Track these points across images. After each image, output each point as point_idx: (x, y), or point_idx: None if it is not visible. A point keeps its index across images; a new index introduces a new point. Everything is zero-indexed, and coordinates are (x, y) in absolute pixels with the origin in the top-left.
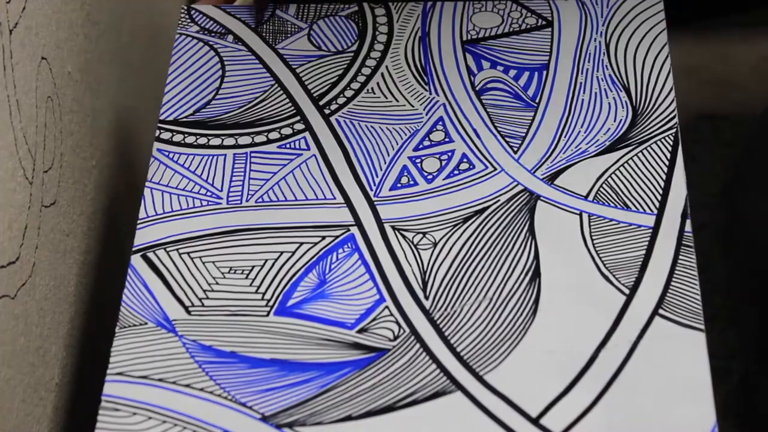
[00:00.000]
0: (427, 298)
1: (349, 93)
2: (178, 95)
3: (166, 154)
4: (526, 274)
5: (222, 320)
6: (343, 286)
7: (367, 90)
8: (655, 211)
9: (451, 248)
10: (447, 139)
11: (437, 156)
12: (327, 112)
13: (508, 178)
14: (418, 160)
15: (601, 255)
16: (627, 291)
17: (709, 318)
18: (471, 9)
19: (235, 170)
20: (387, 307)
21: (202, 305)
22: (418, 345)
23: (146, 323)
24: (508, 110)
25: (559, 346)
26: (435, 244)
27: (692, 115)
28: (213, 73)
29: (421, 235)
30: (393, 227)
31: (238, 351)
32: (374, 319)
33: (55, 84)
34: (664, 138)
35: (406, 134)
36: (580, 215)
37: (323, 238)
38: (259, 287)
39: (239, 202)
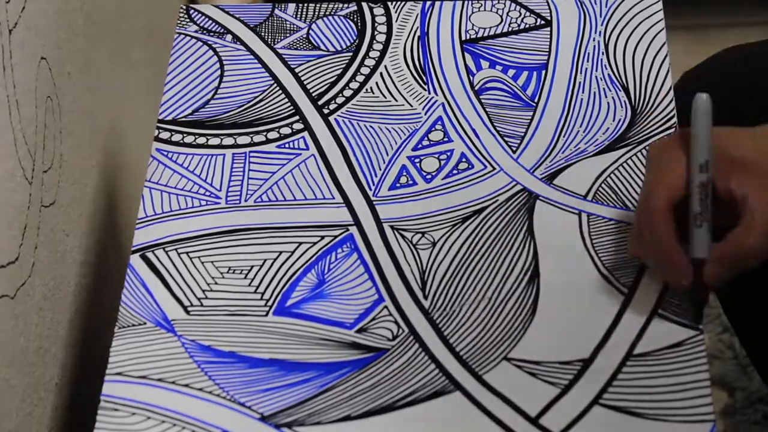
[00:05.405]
0: (426, 297)
1: (348, 93)
2: (177, 95)
3: (165, 153)
4: (525, 274)
5: (221, 320)
6: (342, 285)
7: (366, 90)
8: None
9: (450, 248)
10: (446, 139)
11: (436, 156)
12: (326, 111)
13: (506, 177)
14: (417, 160)
15: (600, 255)
16: (626, 291)
17: (709, 318)
18: (470, 8)
19: (234, 170)
20: (386, 306)
21: (201, 305)
22: (417, 345)
23: (145, 323)
24: (507, 110)
25: (558, 345)
26: (434, 244)
27: None
28: (212, 72)
29: (420, 235)
30: (392, 227)
31: (237, 351)
32: (373, 319)
33: (55, 84)
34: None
35: (404, 134)
36: (579, 215)
37: (322, 237)
38: (258, 287)
39: (238, 201)
